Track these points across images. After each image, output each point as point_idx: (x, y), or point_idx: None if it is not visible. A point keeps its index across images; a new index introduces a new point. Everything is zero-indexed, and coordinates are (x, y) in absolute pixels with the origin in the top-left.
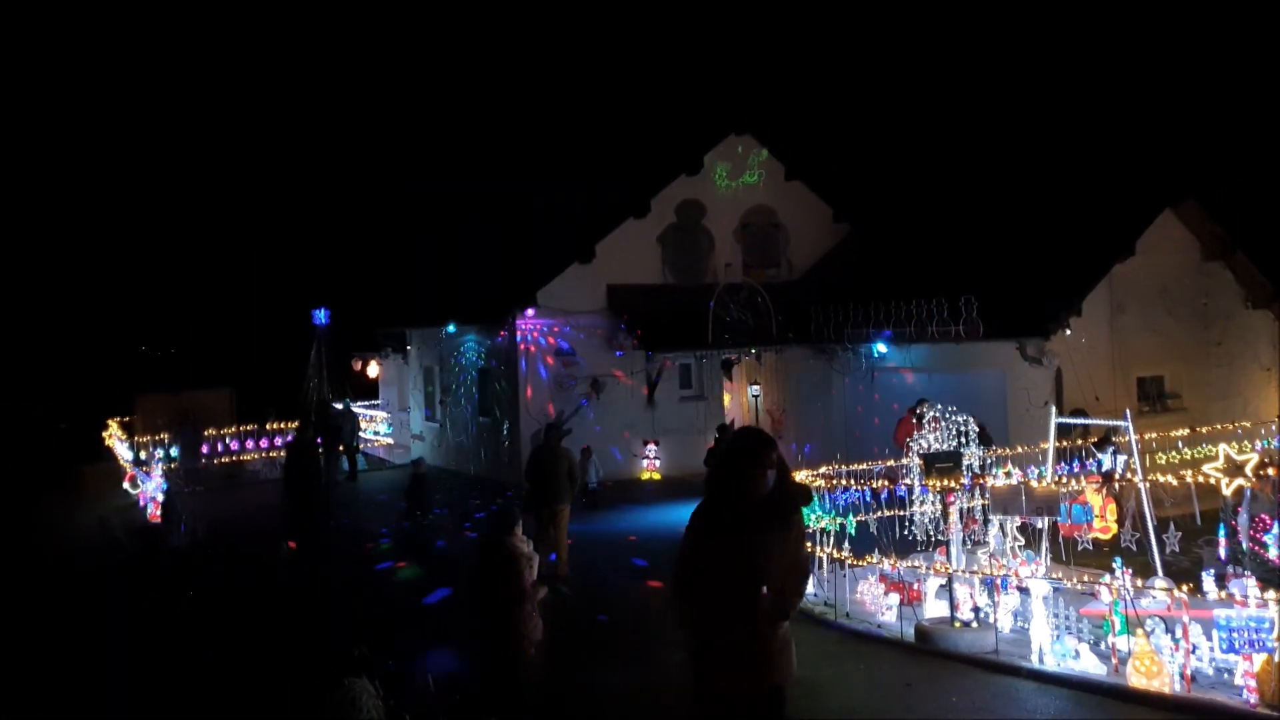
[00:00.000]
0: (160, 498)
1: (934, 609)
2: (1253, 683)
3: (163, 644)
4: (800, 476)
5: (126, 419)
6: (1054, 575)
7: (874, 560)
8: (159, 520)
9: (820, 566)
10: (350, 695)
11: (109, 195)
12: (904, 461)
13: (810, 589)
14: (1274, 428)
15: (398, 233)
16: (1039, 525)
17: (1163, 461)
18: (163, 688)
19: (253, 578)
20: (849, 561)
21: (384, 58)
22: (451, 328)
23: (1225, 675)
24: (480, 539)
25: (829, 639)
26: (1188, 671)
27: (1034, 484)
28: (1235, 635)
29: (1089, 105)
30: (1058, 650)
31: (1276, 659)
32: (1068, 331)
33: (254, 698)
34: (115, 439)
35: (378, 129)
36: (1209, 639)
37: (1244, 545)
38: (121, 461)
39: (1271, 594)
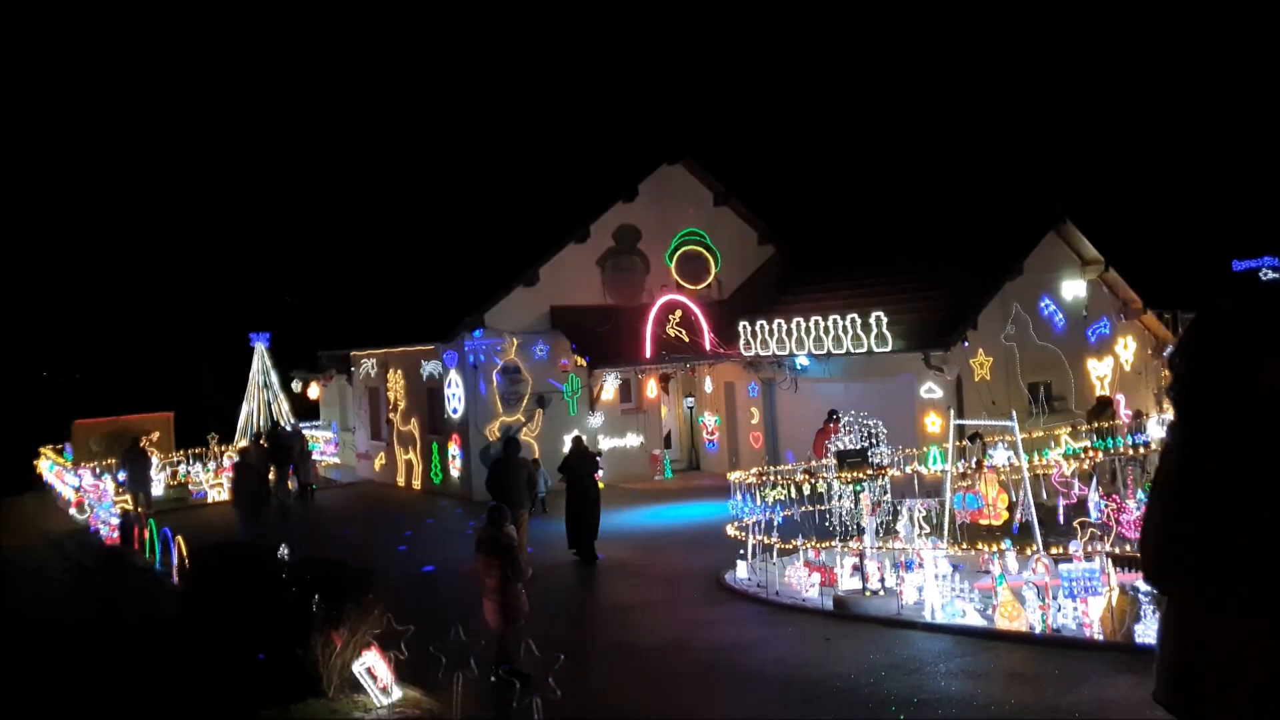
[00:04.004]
0: (115, 520)
1: (849, 585)
2: (1095, 621)
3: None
4: (733, 477)
5: (59, 445)
6: (952, 552)
7: (798, 544)
8: (118, 542)
9: (753, 555)
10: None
11: (33, 212)
12: (824, 461)
13: (743, 573)
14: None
15: (341, 255)
16: (934, 512)
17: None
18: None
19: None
20: (777, 546)
21: (329, 86)
22: (398, 348)
23: (1087, 631)
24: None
25: (762, 611)
26: (1050, 625)
27: (923, 471)
28: (1074, 584)
29: (979, 139)
30: (949, 611)
31: (1111, 602)
32: (965, 343)
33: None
34: (53, 464)
35: (321, 153)
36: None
37: (1093, 515)
38: (62, 486)
39: (1105, 548)
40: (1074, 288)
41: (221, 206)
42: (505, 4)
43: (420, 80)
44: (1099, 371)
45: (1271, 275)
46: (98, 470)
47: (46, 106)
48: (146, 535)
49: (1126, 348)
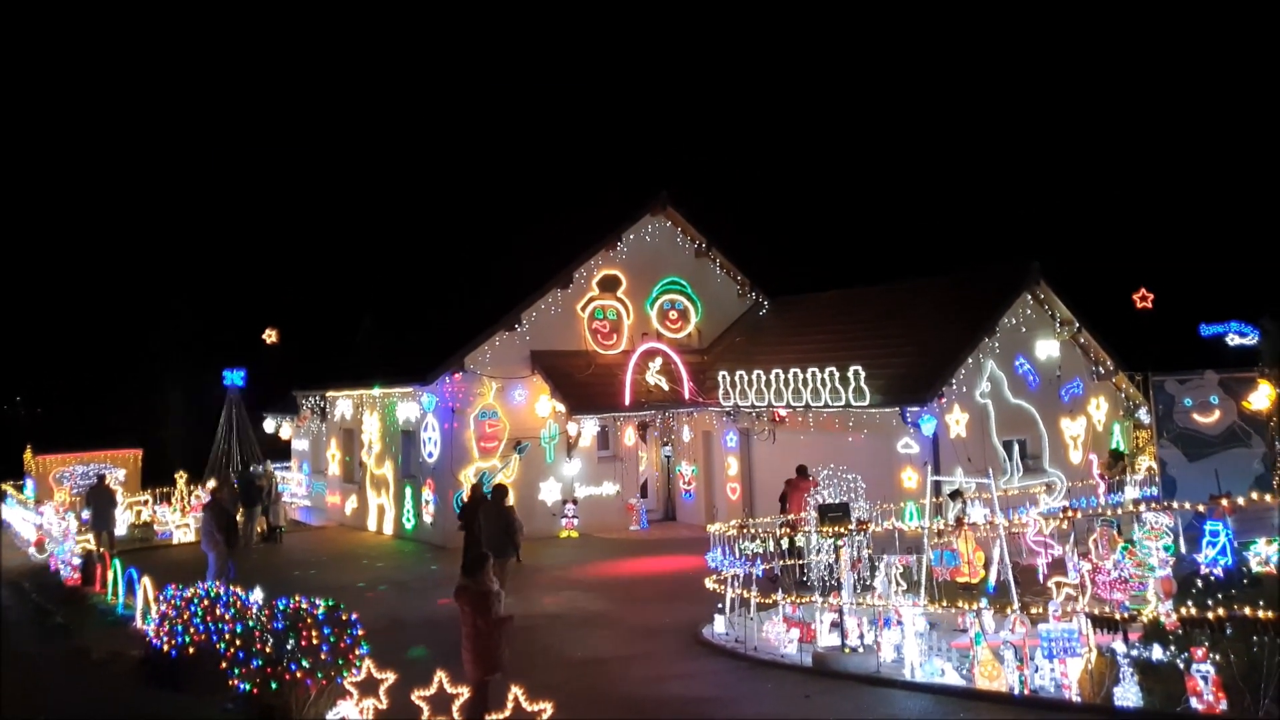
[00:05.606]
0: (77, 561)
1: (828, 641)
2: (1073, 683)
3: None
4: (713, 529)
5: (19, 482)
6: (930, 609)
7: (777, 598)
8: (79, 583)
9: (732, 609)
10: None
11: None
12: (803, 514)
13: (721, 628)
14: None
15: (320, 293)
16: (914, 569)
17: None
18: None
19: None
20: (756, 600)
21: (309, 120)
22: (376, 389)
23: (1065, 693)
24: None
25: (741, 667)
26: (1029, 686)
27: (904, 528)
28: (1053, 644)
29: (957, 201)
30: (927, 669)
31: (1091, 664)
32: (942, 399)
33: None
34: (12, 501)
35: (302, 190)
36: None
37: (1070, 575)
38: (21, 525)
39: (1083, 607)
40: (1048, 347)
41: (199, 241)
42: (496, 47)
43: (407, 120)
44: (1072, 431)
45: (1238, 340)
46: (63, 508)
47: (16, 127)
48: (110, 576)
49: (1099, 408)
